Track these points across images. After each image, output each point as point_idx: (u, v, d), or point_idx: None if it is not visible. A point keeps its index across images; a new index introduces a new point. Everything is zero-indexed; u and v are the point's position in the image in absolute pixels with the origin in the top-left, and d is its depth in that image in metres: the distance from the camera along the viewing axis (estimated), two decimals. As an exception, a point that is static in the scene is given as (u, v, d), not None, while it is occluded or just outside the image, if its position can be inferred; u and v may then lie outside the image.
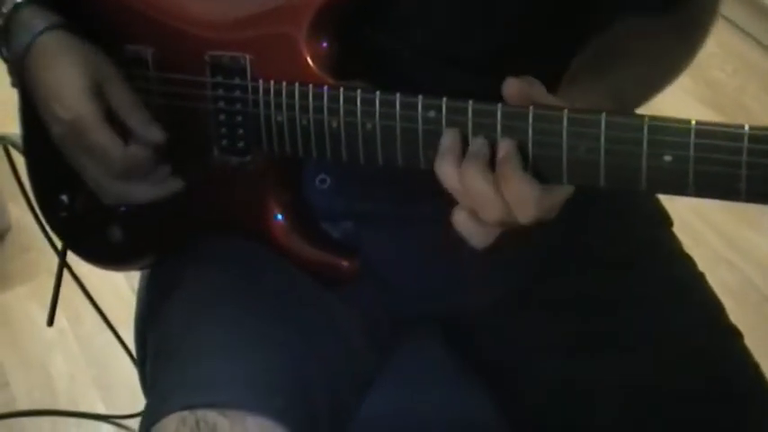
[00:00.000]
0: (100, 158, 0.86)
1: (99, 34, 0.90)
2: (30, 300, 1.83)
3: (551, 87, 0.76)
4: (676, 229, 0.99)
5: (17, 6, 0.87)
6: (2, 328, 1.82)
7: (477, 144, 0.73)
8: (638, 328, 0.90)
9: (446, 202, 0.76)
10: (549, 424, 0.92)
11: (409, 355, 0.98)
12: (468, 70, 0.84)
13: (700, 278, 0.96)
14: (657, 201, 1.01)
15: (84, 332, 1.68)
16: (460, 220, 0.75)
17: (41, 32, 0.86)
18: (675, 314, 0.91)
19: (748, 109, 2.19)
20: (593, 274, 0.93)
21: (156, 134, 0.87)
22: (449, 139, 0.74)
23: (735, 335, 0.92)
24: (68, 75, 0.85)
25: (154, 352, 0.91)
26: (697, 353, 0.89)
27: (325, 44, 0.82)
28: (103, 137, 0.85)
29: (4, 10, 0.87)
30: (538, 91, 0.72)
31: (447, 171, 0.73)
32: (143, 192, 0.89)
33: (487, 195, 0.71)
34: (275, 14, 0.83)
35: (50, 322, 1.04)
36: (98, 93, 0.86)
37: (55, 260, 1.07)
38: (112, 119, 0.86)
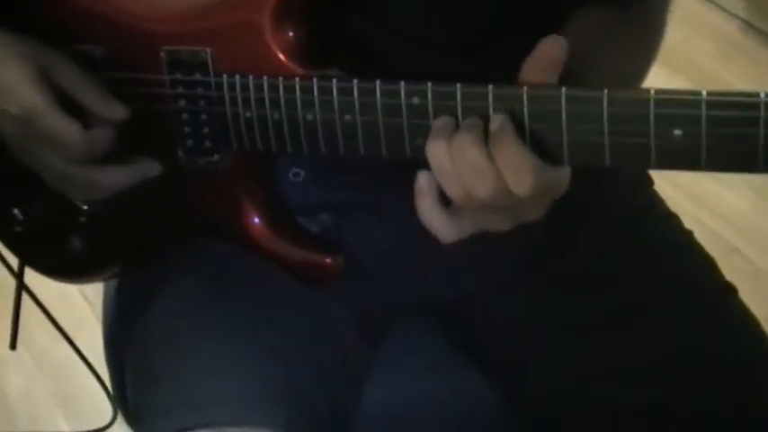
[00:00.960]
0: (59, 145, 0.80)
1: (41, 36, 0.83)
2: None
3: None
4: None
5: None
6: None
7: (470, 119, 0.69)
8: (640, 299, 0.88)
9: None
10: (553, 405, 0.89)
11: (404, 344, 0.94)
12: (447, 53, 0.80)
13: (689, 236, 0.94)
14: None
15: (36, 346, 1.59)
16: (426, 208, 0.72)
17: None
18: (674, 277, 0.89)
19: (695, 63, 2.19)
20: (591, 249, 0.90)
21: (117, 110, 0.81)
22: (442, 119, 0.70)
23: (731, 290, 0.90)
24: (9, 68, 0.78)
25: (133, 372, 0.86)
26: (700, 314, 0.87)
27: (292, 31, 0.77)
28: (58, 121, 0.78)
29: None
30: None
31: (437, 148, 0.69)
32: (113, 176, 0.83)
33: (480, 165, 0.67)
34: (237, 2, 0.77)
35: (13, 345, 0.98)
36: (45, 80, 0.79)
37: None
38: (68, 104, 0.80)
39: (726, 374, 0.84)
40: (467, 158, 0.68)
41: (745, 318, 0.88)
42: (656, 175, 0.97)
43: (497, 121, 0.68)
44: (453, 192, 0.70)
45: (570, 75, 0.69)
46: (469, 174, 0.68)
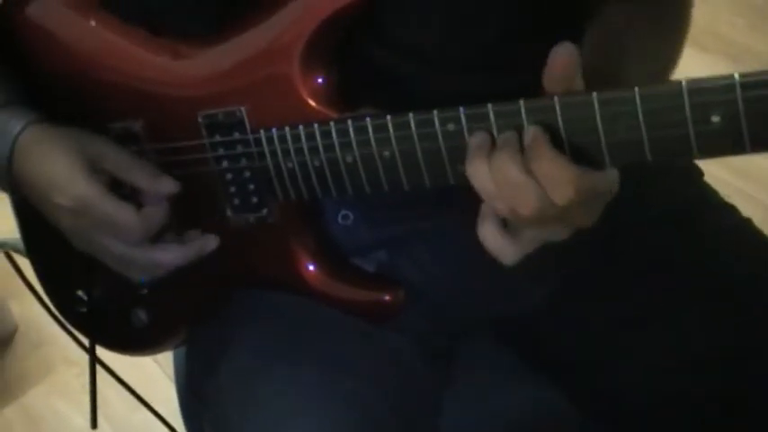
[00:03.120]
0: (116, 230, 0.82)
1: (81, 118, 0.86)
2: (52, 395, 1.78)
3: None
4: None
5: None
6: (30, 430, 1.77)
7: (505, 135, 0.69)
8: (702, 286, 0.87)
9: (474, 206, 0.72)
10: (622, 402, 0.89)
11: (473, 367, 0.95)
12: (468, 68, 0.81)
13: (748, 223, 0.92)
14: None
15: (117, 417, 1.60)
16: (488, 234, 0.72)
17: (19, 134, 0.83)
18: (737, 264, 0.88)
19: (727, 38, 2.16)
20: (644, 246, 0.90)
21: (167, 185, 0.83)
22: (478, 137, 0.70)
23: None
24: (59, 163, 0.81)
25: (214, 423, 0.86)
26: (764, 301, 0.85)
27: (320, 77, 0.78)
28: (111, 207, 0.81)
29: None
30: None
31: (478, 168, 0.69)
32: (173, 255, 0.85)
33: (520, 181, 0.67)
34: (263, 58, 0.79)
35: (94, 425, 0.99)
36: (94, 169, 0.82)
37: (70, 349, 1.02)
38: (120, 189, 0.83)
39: None
40: (506, 176, 0.68)
41: None
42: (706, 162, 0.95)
43: (530, 134, 0.68)
44: (501, 210, 0.70)
45: (607, 74, 0.69)
46: (511, 191, 0.68)
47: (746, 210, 0.94)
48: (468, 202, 0.84)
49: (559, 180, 0.66)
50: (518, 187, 0.67)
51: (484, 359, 0.96)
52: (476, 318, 0.93)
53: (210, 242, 0.85)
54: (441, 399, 0.91)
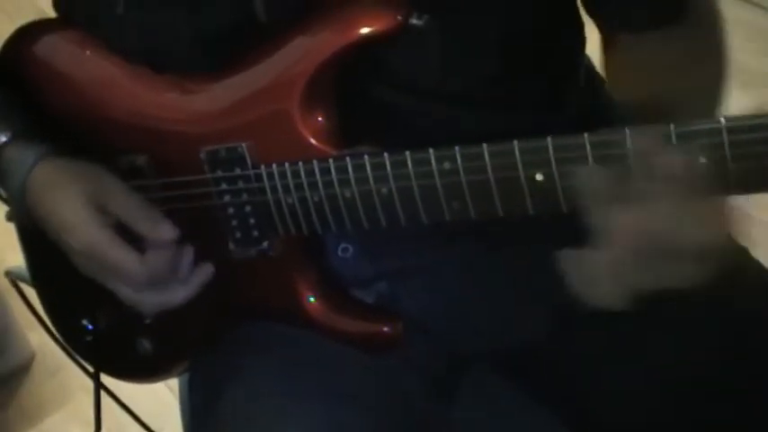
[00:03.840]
0: (121, 277, 0.84)
1: (88, 150, 0.88)
2: (69, 423, 1.80)
3: (542, 107, 0.73)
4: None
5: (3, 146, 0.86)
6: (48, 457, 1.78)
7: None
8: (701, 316, 0.87)
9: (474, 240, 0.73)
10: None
11: (476, 398, 0.96)
12: (465, 103, 0.83)
13: (746, 253, 0.93)
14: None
15: None
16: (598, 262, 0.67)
17: (33, 167, 0.84)
18: (737, 295, 0.87)
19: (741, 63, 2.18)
20: None
21: (166, 232, 0.83)
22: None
23: None
24: (70, 206, 0.83)
25: None
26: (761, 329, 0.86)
27: (320, 116, 0.80)
28: (118, 255, 0.82)
29: None
30: None
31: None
32: (180, 294, 0.86)
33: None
34: (265, 95, 0.80)
35: None
36: (103, 212, 0.83)
37: (86, 376, 1.03)
38: (125, 230, 0.84)
39: None
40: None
41: None
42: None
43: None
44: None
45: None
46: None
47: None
48: (466, 236, 0.86)
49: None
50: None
51: (485, 391, 0.97)
52: (475, 350, 0.94)
53: (208, 270, 0.86)
54: (441, 429, 0.92)
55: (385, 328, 0.87)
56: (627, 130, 0.66)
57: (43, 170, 0.84)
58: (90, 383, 1.00)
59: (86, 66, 0.89)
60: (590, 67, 0.97)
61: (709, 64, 0.85)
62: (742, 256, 0.92)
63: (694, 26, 0.84)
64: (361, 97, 0.82)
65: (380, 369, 0.88)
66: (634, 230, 0.65)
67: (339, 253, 0.88)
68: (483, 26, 0.80)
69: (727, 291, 0.88)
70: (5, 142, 0.86)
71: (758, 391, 0.85)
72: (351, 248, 0.88)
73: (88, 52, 0.88)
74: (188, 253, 0.86)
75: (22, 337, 1.88)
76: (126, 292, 0.85)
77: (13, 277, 1.05)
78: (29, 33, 0.92)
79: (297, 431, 0.82)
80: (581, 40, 0.90)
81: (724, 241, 0.67)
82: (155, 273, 0.83)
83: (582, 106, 0.90)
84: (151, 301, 0.85)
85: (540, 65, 0.85)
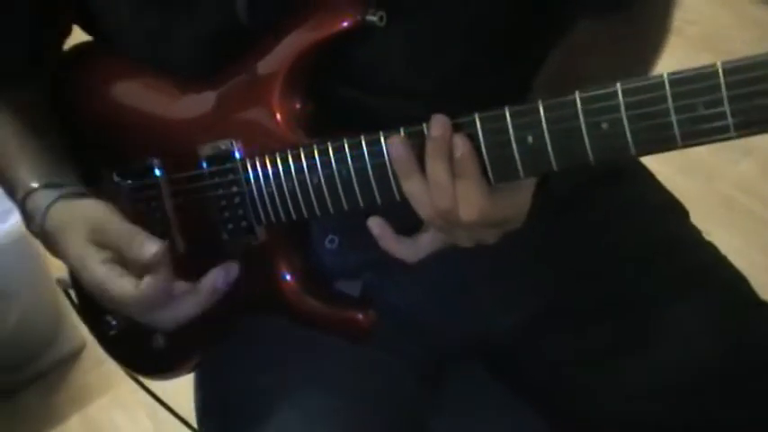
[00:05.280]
0: (125, 305, 0.87)
1: (109, 154, 0.97)
2: (112, 408, 1.93)
3: (509, 99, 0.78)
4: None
5: (31, 191, 0.93)
6: (91, 439, 1.91)
7: (436, 141, 0.76)
8: (671, 320, 0.90)
9: None
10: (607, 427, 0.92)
11: (460, 390, 1.00)
12: (431, 99, 0.85)
13: (722, 261, 0.95)
14: (668, 191, 1.00)
15: (169, 429, 1.66)
16: (389, 245, 0.85)
17: (46, 212, 0.91)
18: (704, 299, 0.91)
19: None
20: (619, 273, 0.94)
21: (150, 247, 0.84)
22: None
23: (763, 306, 0.91)
24: (75, 246, 0.88)
25: None
26: (733, 332, 0.88)
27: (296, 111, 0.86)
28: (115, 286, 0.85)
29: (18, 197, 0.94)
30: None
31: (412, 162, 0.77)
32: (190, 304, 0.89)
33: (447, 184, 0.75)
34: (247, 95, 0.87)
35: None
36: (103, 246, 0.87)
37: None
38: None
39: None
40: (437, 178, 0.76)
41: None
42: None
43: (459, 149, 0.74)
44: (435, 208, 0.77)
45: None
46: (436, 190, 0.75)
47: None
48: None
49: (471, 201, 0.74)
50: (440, 188, 0.75)
51: (471, 387, 1.00)
52: (462, 342, 0.98)
53: (213, 277, 0.89)
54: (425, 419, 0.96)
55: (358, 316, 0.91)
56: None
57: (55, 214, 0.91)
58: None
59: (113, 79, 0.98)
60: None
61: (629, 49, 0.89)
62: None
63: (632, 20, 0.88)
64: (332, 95, 0.88)
65: (373, 361, 0.93)
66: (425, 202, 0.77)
67: (326, 244, 0.94)
68: (445, 24, 0.85)
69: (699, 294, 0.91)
70: (35, 189, 0.93)
71: (737, 396, 0.87)
72: (337, 239, 0.94)
73: (115, 67, 0.97)
74: (194, 238, 0.92)
75: (73, 327, 2.02)
76: (140, 317, 0.89)
77: (63, 286, 1.14)
78: (76, 52, 1.01)
79: (289, 414, 0.89)
80: (553, 34, 0.92)
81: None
82: (152, 296, 0.85)
83: None
84: (164, 319, 0.89)
85: (501, 66, 0.89)
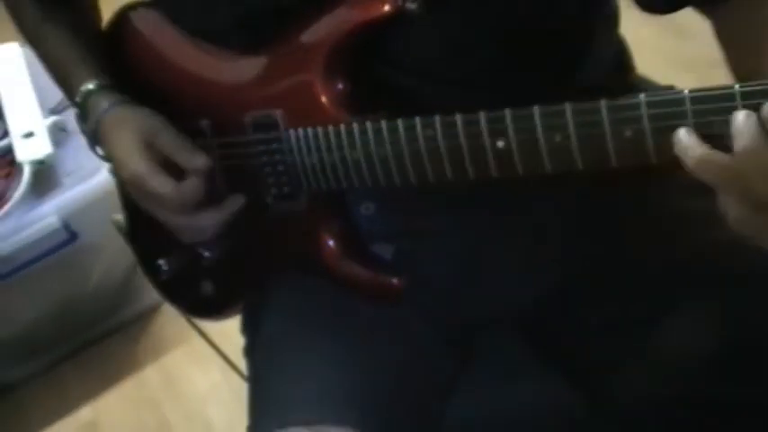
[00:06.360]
0: (159, 202, 0.97)
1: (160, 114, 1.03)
2: (185, 360, 2.05)
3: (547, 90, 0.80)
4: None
5: (89, 93, 1.03)
6: (167, 387, 2.03)
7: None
8: (701, 292, 0.92)
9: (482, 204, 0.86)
10: (633, 398, 0.94)
11: (488, 355, 1.04)
12: (468, 87, 0.91)
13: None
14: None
15: (236, 382, 1.78)
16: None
17: (106, 111, 1.01)
18: (737, 266, 0.91)
19: None
20: (649, 247, 0.96)
21: (199, 160, 0.96)
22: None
23: None
24: (123, 142, 0.98)
25: (251, 378, 1.04)
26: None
27: (338, 88, 0.91)
28: (155, 181, 0.96)
29: (77, 99, 1.04)
30: None
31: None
32: (208, 218, 0.98)
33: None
34: (292, 68, 0.93)
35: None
36: (150, 148, 0.97)
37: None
38: (170, 166, 0.97)
39: None
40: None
41: None
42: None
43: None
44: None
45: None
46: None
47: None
48: (473, 199, 0.94)
49: None
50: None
51: (498, 352, 1.04)
52: (489, 310, 1.02)
53: (238, 201, 0.98)
54: (452, 386, 1.02)
55: (392, 279, 0.97)
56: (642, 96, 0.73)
57: (113, 114, 1.01)
58: (205, 327, 1.15)
59: (166, 42, 1.04)
60: (620, 52, 1.04)
61: None
62: None
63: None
64: (371, 77, 0.92)
65: (399, 319, 0.99)
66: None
67: (362, 210, 0.99)
68: (482, 12, 0.88)
69: (727, 265, 0.92)
70: (92, 90, 1.03)
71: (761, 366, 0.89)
72: (372, 207, 0.99)
73: (166, 31, 1.03)
74: (223, 187, 0.99)
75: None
76: (164, 216, 0.99)
77: (118, 226, 1.22)
78: (127, 13, 1.08)
79: (308, 362, 0.95)
80: (592, 25, 0.95)
81: None
82: (186, 198, 0.96)
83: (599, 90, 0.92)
84: (182, 224, 0.99)
85: (532, 62, 0.91)
